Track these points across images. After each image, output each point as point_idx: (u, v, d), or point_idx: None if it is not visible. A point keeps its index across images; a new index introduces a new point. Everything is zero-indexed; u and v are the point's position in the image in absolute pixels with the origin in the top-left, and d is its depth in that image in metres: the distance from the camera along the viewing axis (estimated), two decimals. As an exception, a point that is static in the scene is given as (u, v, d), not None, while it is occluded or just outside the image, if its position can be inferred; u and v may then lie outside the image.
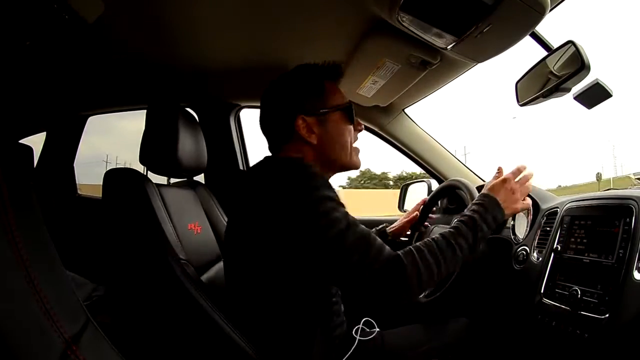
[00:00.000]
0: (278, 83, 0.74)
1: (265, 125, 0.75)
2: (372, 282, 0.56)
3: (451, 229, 0.64)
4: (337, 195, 0.61)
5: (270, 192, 0.61)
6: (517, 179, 0.73)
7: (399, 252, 0.59)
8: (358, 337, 0.76)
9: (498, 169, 0.79)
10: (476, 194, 0.87)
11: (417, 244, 0.61)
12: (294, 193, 0.58)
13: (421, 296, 0.97)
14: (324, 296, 0.71)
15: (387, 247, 0.60)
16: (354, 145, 0.77)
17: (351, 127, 0.75)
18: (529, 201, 0.75)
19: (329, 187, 0.61)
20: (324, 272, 0.59)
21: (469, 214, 0.67)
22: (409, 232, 1.29)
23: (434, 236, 0.63)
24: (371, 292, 0.57)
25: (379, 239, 0.60)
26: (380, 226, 1.07)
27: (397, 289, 0.57)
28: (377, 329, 0.80)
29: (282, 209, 0.59)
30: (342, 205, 0.61)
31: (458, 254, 0.61)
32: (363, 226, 0.60)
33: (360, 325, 0.79)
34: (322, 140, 0.71)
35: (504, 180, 0.72)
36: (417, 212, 1.08)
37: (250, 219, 0.63)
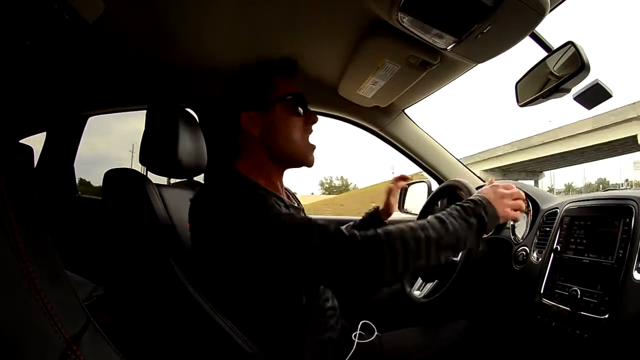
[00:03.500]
0: (227, 83, 0.74)
1: (218, 127, 0.76)
2: (336, 262, 0.55)
3: (437, 216, 0.62)
4: (276, 205, 0.62)
5: (222, 216, 0.61)
6: (507, 191, 0.71)
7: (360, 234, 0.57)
8: (357, 340, 0.75)
9: (489, 180, 0.78)
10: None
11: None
12: (242, 215, 0.58)
13: (420, 297, 0.97)
14: (298, 301, 0.68)
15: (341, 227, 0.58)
16: (309, 141, 0.74)
17: (299, 119, 0.72)
18: (518, 214, 0.71)
19: (267, 204, 0.61)
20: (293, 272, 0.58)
21: (458, 206, 0.65)
22: None
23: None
24: (337, 273, 0.56)
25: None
26: (371, 209, 1.06)
27: (361, 265, 0.55)
28: (377, 333, 0.80)
29: (232, 229, 0.59)
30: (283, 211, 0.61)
31: (442, 235, 0.59)
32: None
33: (358, 330, 0.78)
34: (265, 133, 0.70)
35: (494, 186, 0.71)
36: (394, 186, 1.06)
37: (211, 239, 0.63)
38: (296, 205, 0.76)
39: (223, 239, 0.60)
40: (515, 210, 0.70)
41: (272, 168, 0.73)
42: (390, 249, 0.56)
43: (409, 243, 0.57)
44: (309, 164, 0.74)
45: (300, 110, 0.72)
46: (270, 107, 0.70)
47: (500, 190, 0.70)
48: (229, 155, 0.75)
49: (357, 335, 0.76)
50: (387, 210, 1.03)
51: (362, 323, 0.81)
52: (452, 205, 0.66)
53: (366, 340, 0.77)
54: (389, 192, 1.04)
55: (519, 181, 1.12)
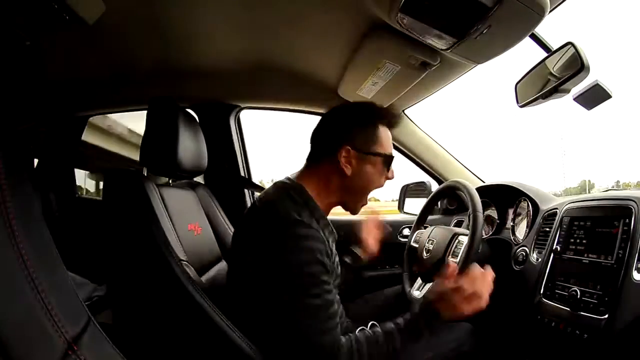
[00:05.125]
0: (342, 110, 0.77)
1: (315, 138, 0.77)
2: (307, 354, 0.60)
3: (390, 330, 0.66)
4: (321, 248, 0.64)
5: (263, 231, 0.66)
6: (473, 288, 0.67)
7: (341, 337, 0.63)
8: None
9: (449, 266, 0.74)
10: (476, 195, 0.86)
11: (358, 335, 0.65)
12: (279, 239, 0.63)
13: (420, 297, 0.97)
14: None
15: (336, 330, 0.63)
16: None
17: (383, 178, 0.77)
18: (483, 304, 0.68)
19: (315, 238, 0.64)
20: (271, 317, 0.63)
21: (408, 322, 0.67)
22: (406, 236, 1.29)
23: (375, 329, 0.67)
24: None
25: (334, 319, 0.63)
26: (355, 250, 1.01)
27: None
28: None
29: (267, 250, 0.63)
30: (320, 262, 0.63)
31: (390, 355, 0.64)
32: (330, 297, 0.63)
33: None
34: (353, 175, 0.73)
35: (456, 290, 0.67)
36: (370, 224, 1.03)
37: (247, 247, 0.69)
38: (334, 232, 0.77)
39: (261, 258, 0.64)
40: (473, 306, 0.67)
41: (333, 200, 0.75)
42: None
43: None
44: (357, 212, 0.79)
45: (388, 172, 0.77)
46: (371, 155, 0.73)
47: (461, 295, 0.66)
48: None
49: None
50: (366, 249, 0.99)
51: (371, 324, 0.80)
52: (405, 319, 0.68)
53: None
54: (365, 231, 1.00)
55: (518, 181, 1.12)
